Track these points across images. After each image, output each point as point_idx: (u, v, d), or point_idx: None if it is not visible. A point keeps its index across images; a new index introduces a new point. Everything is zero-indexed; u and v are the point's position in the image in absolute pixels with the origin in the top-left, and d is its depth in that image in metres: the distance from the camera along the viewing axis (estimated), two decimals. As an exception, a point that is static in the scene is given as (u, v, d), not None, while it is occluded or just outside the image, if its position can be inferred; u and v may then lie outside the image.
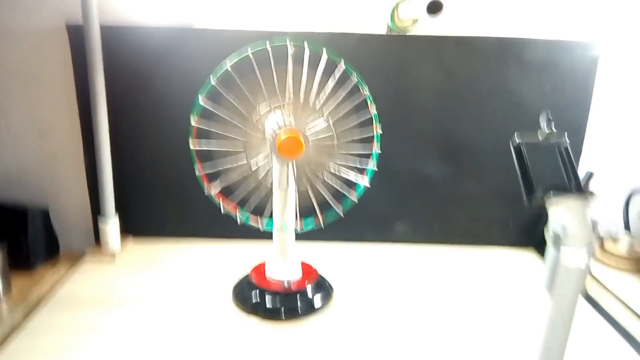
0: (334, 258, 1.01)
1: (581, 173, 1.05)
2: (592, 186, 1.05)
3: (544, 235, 1.11)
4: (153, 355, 0.70)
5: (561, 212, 0.42)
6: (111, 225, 1.00)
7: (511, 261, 1.06)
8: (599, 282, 0.98)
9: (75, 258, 0.99)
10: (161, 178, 1.03)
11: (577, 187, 0.44)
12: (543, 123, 0.50)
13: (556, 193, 0.43)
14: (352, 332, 0.77)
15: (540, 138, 0.49)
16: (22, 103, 0.98)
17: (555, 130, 0.48)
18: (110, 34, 0.91)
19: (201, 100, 0.72)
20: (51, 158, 1.01)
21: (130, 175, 1.02)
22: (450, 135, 1.03)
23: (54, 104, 0.98)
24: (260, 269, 0.88)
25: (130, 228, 1.06)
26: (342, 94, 0.73)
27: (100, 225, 0.99)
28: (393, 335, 0.77)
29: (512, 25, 0.97)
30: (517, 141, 0.48)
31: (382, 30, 0.95)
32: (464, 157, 1.04)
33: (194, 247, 1.05)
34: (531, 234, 1.10)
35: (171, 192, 1.04)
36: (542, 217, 1.08)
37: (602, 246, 1.08)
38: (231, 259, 0.99)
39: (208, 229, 1.06)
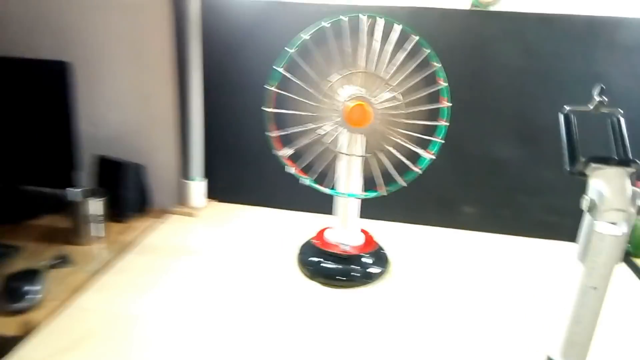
0: (397, 236, 1.03)
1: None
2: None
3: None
4: (216, 303, 0.78)
5: (600, 181, 0.41)
6: (196, 186, 1.10)
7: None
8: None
9: (163, 213, 1.11)
10: (244, 149, 1.12)
11: (623, 158, 0.43)
12: (595, 93, 0.48)
13: (596, 162, 0.42)
14: (406, 304, 0.80)
15: (590, 107, 0.48)
16: (130, 69, 1.11)
17: (606, 100, 0.47)
18: (208, 5, 1.01)
19: (279, 68, 0.78)
20: (151, 121, 1.13)
21: (218, 143, 1.12)
22: (528, 118, 1.00)
23: (156, 71, 1.09)
24: (321, 233, 0.92)
25: (215, 193, 1.16)
26: (412, 66, 0.75)
27: (186, 185, 1.10)
28: (443, 314, 0.78)
29: (604, 3, 0.91)
30: (566, 109, 0.48)
31: (466, 5, 0.95)
32: (541, 142, 1.01)
33: (266, 212, 1.13)
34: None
35: (253, 164, 1.12)
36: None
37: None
38: (299, 225, 1.05)
39: (281, 199, 1.13)
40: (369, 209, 0.92)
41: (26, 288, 0.77)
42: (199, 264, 0.89)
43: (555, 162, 1.04)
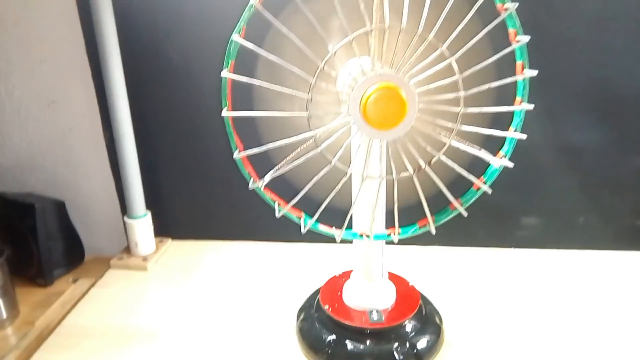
0: (438, 270, 0.72)
1: None
2: None
3: None
4: None
5: None
6: (141, 224, 0.77)
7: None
8: None
9: (102, 264, 0.78)
10: (201, 161, 0.79)
11: None
12: None
13: None
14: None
15: None
16: (24, 65, 0.76)
17: None
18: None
19: (237, 37, 0.44)
20: (66, 134, 0.79)
21: (164, 158, 0.79)
22: (612, 84, 0.68)
23: (63, 68, 0.75)
24: (333, 288, 0.60)
25: (168, 228, 0.83)
26: (470, 14, 0.42)
27: (128, 225, 0.77)
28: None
29: None
30: None
31: None
32: (629, 119, 0.70)
33: (242, 248, 0.80)
34: None
35: (214, 180, 0.80)
36: None
37: None
38: (294, 266, 0.74)
39: (261, 228, 0.81)
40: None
41: None
42: (155, 354, 0.57)
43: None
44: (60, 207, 0.78)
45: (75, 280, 0.76)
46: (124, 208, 0.79)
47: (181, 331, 0.61)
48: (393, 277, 0.61)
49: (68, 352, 0.59)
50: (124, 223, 0.77)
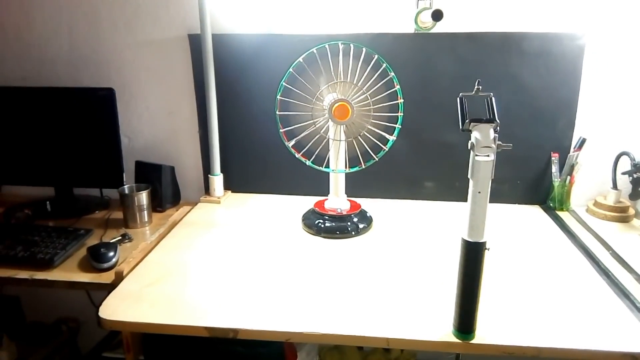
0: (376, 207, 1.34)
1: (575, 139, 1.32)
2: (585, 150, 1.31)
3: (548, 194, 1.37)
4: (243, 254, 1.08)
5: (477, 132, 0.73)
6: (217, 179, 1.40)
7: (519, 215, 1.33)
8: (590, 229, 1.24)
9: (191, 204, 1.40)
10: (253, 149, 1.42)
11: (488, 119, 0.74)
12: (476, 85, 0.79)
13: (474, 122, 0.74)
14: (385, 248, 1.11)
15: (473, 93, 0.79)
16: (157, 92, 1.41)
17: (481, 88, 0.78)
18: (218, 40, 1.32)
19: (283, 82, 1.10)
20: (176, 131, 1.44)
21: (231, 145, 1.42)
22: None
23: (179, 92, 1.40)
24: (321, 203, 1.24)
25: (230, 185, 1.46)
26: (375, 76, 1.08)
27: (210, 179, 1.40)
28: (412, 256, 1.10)
29: (513, 22, 1.26)
30: (460, 95, 0.80)
31: (411, 30, 1.28)
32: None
33: (273, 197, 1.43)
34: (536, 193, 1.38)
35: (260, 159, 1.42)
36: (545, 178, 1.36)
37: (594, 201, 1.33)
38: (300, 204, 1.35)
39: (284, 187, 1.43)
40: (354, 189, 1.23)
41: (108, 253, 1.05)
42: (227, 231, 1.19)
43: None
44: (172, 170, 1.40)
45: (177, 209, 1.37)
46: (206, 171, 1.42)
47: (238, 226, 1.22)
48: (351, 200, 1.24)
49: (186, 230, 1.21)
50: (207, 178, 1.40)
